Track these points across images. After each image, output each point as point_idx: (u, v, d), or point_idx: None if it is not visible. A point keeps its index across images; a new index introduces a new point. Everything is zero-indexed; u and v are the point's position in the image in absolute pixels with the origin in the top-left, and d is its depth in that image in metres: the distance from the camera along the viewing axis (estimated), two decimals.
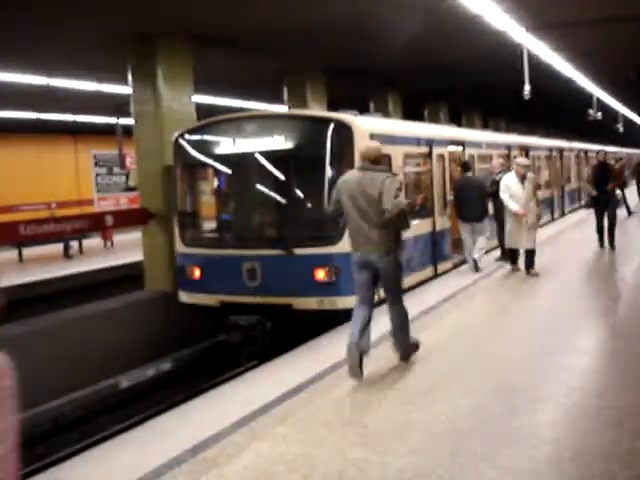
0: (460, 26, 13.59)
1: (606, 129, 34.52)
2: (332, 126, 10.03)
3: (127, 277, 17.38)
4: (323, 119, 10.33)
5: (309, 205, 10.74)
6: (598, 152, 15.85)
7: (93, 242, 23.20)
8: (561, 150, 24.60)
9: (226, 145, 10.81)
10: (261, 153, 10.51)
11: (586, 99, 25.95)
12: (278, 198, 10.84)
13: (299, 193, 10.89)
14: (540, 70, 17.59)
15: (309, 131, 10.44)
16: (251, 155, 10.60)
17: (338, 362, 7.30)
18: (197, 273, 10.94)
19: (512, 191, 11.79)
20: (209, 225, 11.93)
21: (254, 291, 10.33)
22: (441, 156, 13.01)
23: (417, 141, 12.22)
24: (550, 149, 22.91)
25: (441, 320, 9.36)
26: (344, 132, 10.00)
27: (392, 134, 11.27)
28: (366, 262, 6.92)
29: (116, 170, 32.33)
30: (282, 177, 10.83)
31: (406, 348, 7.24)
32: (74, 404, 9.79)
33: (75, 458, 6.04)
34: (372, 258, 6.86)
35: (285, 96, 17.95)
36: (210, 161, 11.28)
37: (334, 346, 8.04)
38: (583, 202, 14.79)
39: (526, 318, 9.40)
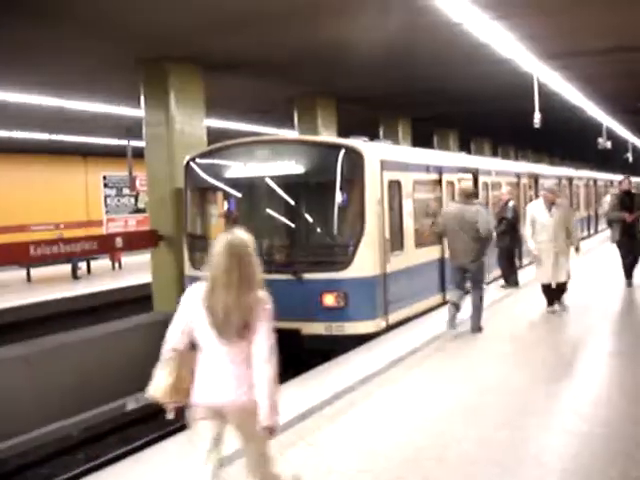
0: (471, 54, 13.69)
1: (615, 158, 34.52)
2: (343, 152, 10.07)
3: (135, 299, 17.44)
4: (334, 145, 10.39)
5: (319, 230, 10.77)
6: (621, 181, 13.94)
7: (101, 264, 23.21)
8: (570, 179, 24.60)
9: (237, 169, 10.85)
10: (272, 177, 10.55)
11: (596, 128, 26.00)
12: (288, 222, 10.87)
13: (309, 218, 10.91)
14: (550, 98, 17.69)
15: (320, 157, 10.49)
16: (262, 179, 10.65)
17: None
18: None
19: (539, 220, 10.77)
20: None
21: None
22: (451, 183, 13.02)
23: (427, 168, 12.25)
24: (559, 177, 22.90)
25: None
26: (355, 158, 10.04)
27: (402, 161, 11.31)
28: (460, 266, 9.95)
29: (125, 191, 32.47)
30: (292, 202, 10.86)
31: (477, 324, 10.03)
32: (80, 425, 9.76)
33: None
34: (465, 263, 9.84)
35: (295, 121, 18.04)
36: (220, 185, 11.32)
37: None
38: (610, 236, 13.47)
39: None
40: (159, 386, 4.00)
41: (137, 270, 21.54)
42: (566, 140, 31.07)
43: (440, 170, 12.60)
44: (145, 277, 18.95)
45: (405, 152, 12.05)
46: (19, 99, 15.72)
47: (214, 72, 13.47)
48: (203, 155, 11.36)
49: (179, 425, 6.33)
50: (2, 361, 9.75)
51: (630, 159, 33.05)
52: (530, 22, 11.85)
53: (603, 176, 32.44)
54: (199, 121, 13.28)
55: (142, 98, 13.02)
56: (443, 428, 6.07)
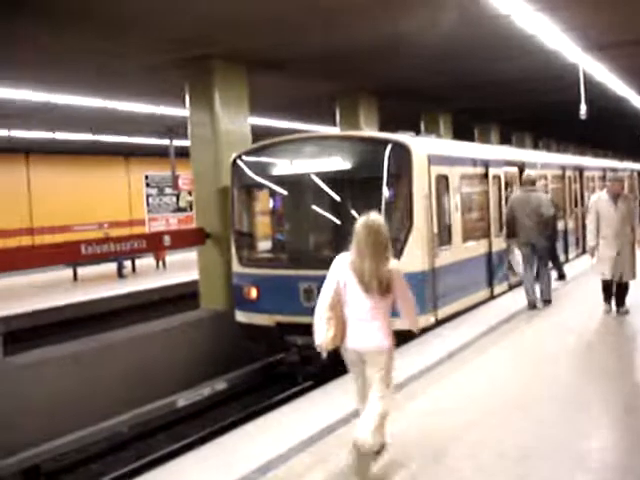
0: (514, 46, 13.56)
1: None
2: (390, 147, 10.04)
3: (180, 296, 17.63)
4: (381, 140, 10.33)
5: None
6: None
7: (145, 262, 23.45)
8: (614, 170, 24.22)
9: (284, 166, 10.89)
10: (319, 174, 10.57)
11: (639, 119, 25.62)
12: (335, 219, 10.87)
13: (357, 213, 10.88)
14: (594, 89, 17.44)
15: (367, 152, 10.46)
16: (309, 176, 10.66)
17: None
18: (254, 293, 11.00)
19: (603, 214, 10.02)
20: (266, 245, 12.00)
21: (311, 312, 10.32)
22: (497, 177, 12.91)
23: (473, 162, 12.16)
24: (604, 169, 22.58)
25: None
26: (402, 153, 10.00)
27: (448, 155, 11.24)
28: (528, 242, 11.08)
29: (167, 191, 32.81)
30: (340, 198, 10.86)
31: (548, 297, 11.33)
32: (129, 422, 9.87)
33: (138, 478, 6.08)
34: (532, 239, 11.05)
35: (337, 118, 18.04)
36: (267, 182, 11.36)
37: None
38: None
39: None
40: (323, 337, 5.18)
41: (181, 269, 21.78)
42: (609, 132, 30.59)
43: (487, 164, 12.48)
44: (190, 275, 19.30)
45: (452, 146, 11.95)
46: (63, 100, 15.93)
47: (257, 70, 13.54)
48: (250, 153, 11.41)
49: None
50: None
51: None
52: (575, 13, 11.71)
53: None
54: (243, 120, 13.32)
55: (187, 97, 13.10)
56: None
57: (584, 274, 13.81)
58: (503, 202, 12.99)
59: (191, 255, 22.43)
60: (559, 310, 11.14)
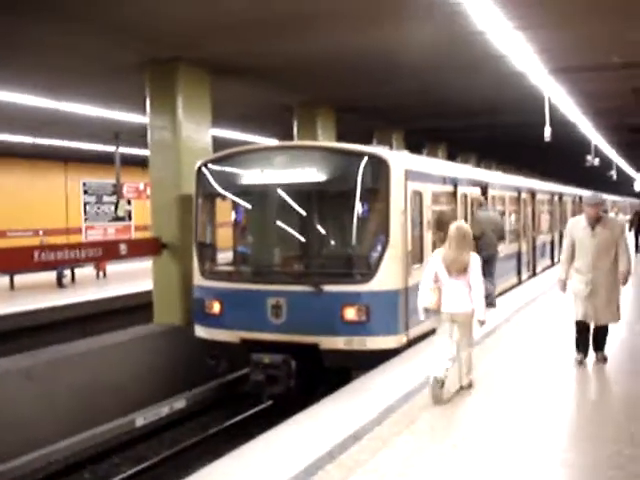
0: (480, 65, 13.48)
1: (599, 176, 34.69)
2: (368, 160, 9.71)
3: (125, 309, 16.92)
4: (358, 152, 9.97)
5: (340, 241, 10.38)
6: None
7: (84, 272, 22.52)
8: (561, 195, 24.59)
9: (253, 176, 10.42)
10: (290, 185, 10.14)
11: (584, 145, 26.05)
12: (307, 232, 10.48)
13: (329, 228, 10.54)
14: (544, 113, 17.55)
15: (343, 164, 10.07)
16: (280, 187, 10.24)
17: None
18: (216, 307, 10.47)
19: (578, 241, 8.32)
20: (230, 258, 11.50)
21: (278, 329, 9.90)
22: (464, 195, 12.74)
23: (444, 180, 11.95)
24: (552, 194, 22.84)
25: None
26: (380, 167, 9.68)
27: (423, 172, 10.99)
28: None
29: (105, 199, 31.81)
30: (312, 211, 10.49)
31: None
32: (87, 443, 9.23)
33: None
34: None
35: (295, 130, 17.68)
36: (234, 191, 10.89)
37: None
38: None
39: None
40: (429, 302, 7.23)
41: (122, 279, 21.01)
42: (552, 156, 31.10)
43: (455, 182, 12.30)
44: (132, 287, 18.59)
45: (425, 163, 11.69)
46: (3, 97, 14.93)
47: (219, 77, 13.08)
48: (216, 160, 10.89)
49: None
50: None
51: (614, 177, 33.20)
52: (546, 34, 11.67)
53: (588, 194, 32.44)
54: (206, 126, 12.87)
55: (148, 101, 12.53)
56: None
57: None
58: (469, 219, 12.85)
59: (131, 265, 21.86)
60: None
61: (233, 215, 11.68)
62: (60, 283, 19.83)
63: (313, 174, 9.97)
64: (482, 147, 29.74)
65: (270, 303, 9.89)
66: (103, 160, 29.04)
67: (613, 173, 33.21)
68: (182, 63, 12.21)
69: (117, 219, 32.04)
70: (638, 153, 33.05)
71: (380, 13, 10.15)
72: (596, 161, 26.09)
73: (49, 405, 9.53)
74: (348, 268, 10.01)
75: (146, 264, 18.76)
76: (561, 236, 24.11)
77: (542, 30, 11.41)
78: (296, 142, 15.33)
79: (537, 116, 18.58)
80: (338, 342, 9.58)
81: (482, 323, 7.42)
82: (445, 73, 14.25)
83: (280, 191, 10.29)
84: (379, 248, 9.68)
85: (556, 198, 23.40)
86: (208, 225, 11.09)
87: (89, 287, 19.86)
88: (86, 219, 31.32)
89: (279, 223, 10.63)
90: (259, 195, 10.66)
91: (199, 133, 12.65)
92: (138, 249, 11.98)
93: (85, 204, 31.33)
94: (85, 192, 31.23)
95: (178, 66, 12.20)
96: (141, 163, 30.01)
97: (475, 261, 7.19)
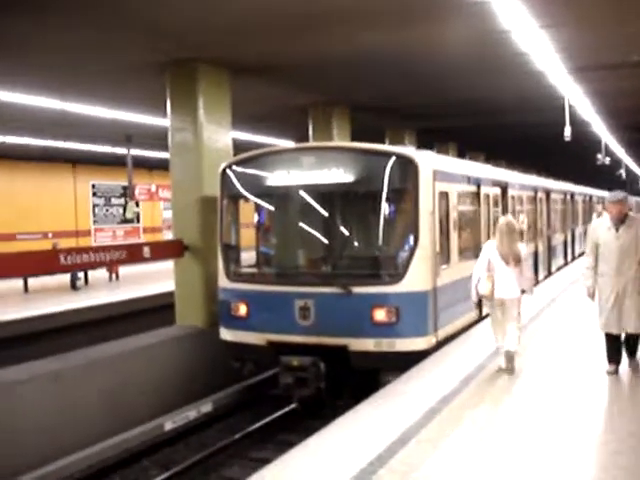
0: (501, 63, 13.41)
1: (608, 176, 34.60)
2: (396, 160, 9.64)
3: (142, 311, 16.87)
4: (386, 153, 9.92)
5: (368, 242, 10.31)
6: None
7: (97, 275, 22.44)
8: (572, 194, 24.52)
9: (279, 177, 10.35)
10: (318, 186, 10.06)
11: (594, 144, 25.97)
12: (334, 233, 10.41)
13: (358, 229, 10.48)
14: (559, 112, 17.49)
15: (372, 165, 9.98)
16: (307, 187, 10.18)
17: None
18: (243, 310, 10.40)
19: (602, 244, 7.84)
20: (259, 259, 11.42)
21: (306, 330, 9.84)
22: (487, 196, 12.68)
23: (468, 180, 11.87)
24: (565, 193, 22.77)
25: None
26: (409, 167, 9.62)
27: (449, 172, 10.92)
28: None
29: (114, 201, 31.74)
30: (339, 212, 10.42)
31: None
32: (116, 449, 9.15)
33: None
34: None
35: (310, 130, 17.62)
36: (261, 193, 10.81)
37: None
38: None
39: None
40: (486, 289, 8.16)
41: (135, 282, 20.97)
42: (561, 155, 31.04)
43: (478, 182, 12.23)
44: (146, 289, 18.57)
45: (451, 162, 11.60)
46: (14, 99, 14.72)
47: (239, 77, 13.02)
48: (241, 162, 10.81)
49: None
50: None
51: (623, 176, 33.11)
52: (568, 33, 11.61)
53: (599, 193, 32.40)
54: (226, 127, 12.79)
55: (168, 102, 12.46)
56: None
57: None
58: (492, 221, 12.80)
59: (142, 268, 21.80)
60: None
61: (257, 216, 11.60)
62: (74, 286, 19.75)
63: (341, 175, 9.90)
64: (491, 146, 29.67)
65: (298, 305, 9.82)
66: (112, 162, 28.98)
67: (622, 172, 33.13)
68: (202, 63, 12.13)
69: (125, 221, 31.99)
70: None
71: (406, 13, 10.10)
72: (607, 160, 26.01)
73: (77, 409, 9.43)
74: (377, 269, 9.94)
75: (155, 266, 18.83)
76: (573, 235, 24.18)
77: (564, 28, 11.36)
78: (323, 143, 15.24)
79: (551, 115, 18.55)
80: (368, 344, 9.51)
81: (531, 293, 8.77)
82: (466, 72, 14.17)
83: (307, 192, 10.24)
84: (408, 249, 9.63)
85: (568, 197, 23.32)
86: (233, 227, 11.01)
87: (103, 289, 19.80)
88: (95, 221, 31.19)
89: (306, 224, 10.57)
90: (286, 196, 10.59)
91: (220, 134, 12.58)
92: (161, 251, 11.92)
93: (94, 206, 31.20)
94: (94, 194, 31.10)
95: (198, 66, 12.12)
96: (148, 165, 30.08)
97: (525, 250, 8.44)
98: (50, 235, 27.50)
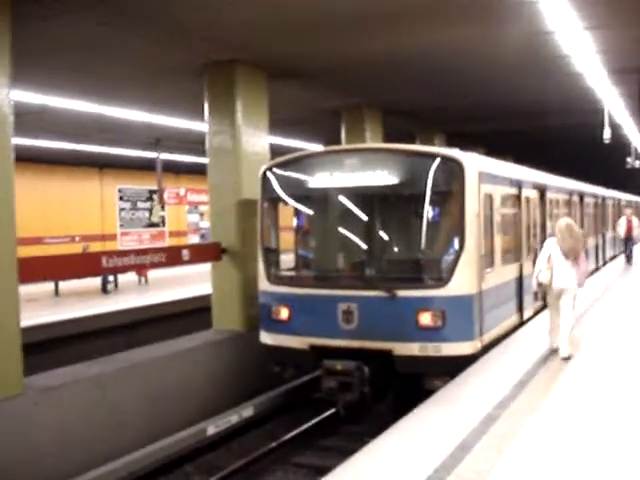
0: (541, 66, 13.30)
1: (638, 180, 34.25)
2: (442, 162, 9.52)
3: (176, 315, 16.84)
4: (431, 154, 9.79)
5: (413, 245, 10.17)
6: None
7: (124, 278, 22.44)
8: (604, 198, 24.26)
9: (321, 179, 10.26)
10: (362, 188, 9.95)
11: (624, 147, 25.72)
12: (379, 236, 10.30)
13: (401, 231, 10.36)
14: (597, 115, 17.33)
15: (417, 167, 9.86)
16: (350, 190, 10.08)
17: None
18: (284, 313, 10.31)
19: None
20: (298, 263, 11.33)
21: (350, 334, 9.72)
22: (528, 198, 12.53)
23: (510, 182, 11.73)
24: (596, 196, 22.53)
25: None
26: (455, 169, 9.49)
27: (493, 174, 10.78)
28: None
29: (140, 205, 31.82)
30: (383, 214, 10.31)
31: None
32: (161, 453, 9.08)
33: None
34: None
35: (343, 134, 17.54)
36: (302, 195, 10.72)
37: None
38: None
39: None
40: (546, 278, 8.96)
41: (164, 285, 20.96)
42: (590, 158, 30.76)
43: (520, 185, 12.08)
44: (175, 292, 18.57)
45: (494, 165, 11.44)
46: (55, 103, 14.77)
47: (275, 79, 12.96)
48: (282, 165, 10.72)
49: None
50: None
51: None
52: (609, 35, 11.46)
53: (626, 196, 32.05)
54: (264, 130, 12.74)
55: (206, 105, 12.41)
56: None
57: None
58: (532, 224, 12.65)
59: (169, 271, 21.77)
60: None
61: (296, 219, 11.52)
62: (105, 289, 19.76)
63: (385, 177, 9.79)
64: (519, 149, 29.47)
65: (341, 309, 9.71)
66: (138, 166, 29.05)
67: None
68: (240, 64, 12.07)
69: (151, 225, 32.07)
70: None
71: (459, 12, 9.99)
72: (637, 163, 25.74)
73: (119, 414, 9.37)
74: (422, 272, 9.79)
75: (182, 270, 18.77)
76: (604, 239, 23.89)
77: (607, 30, 11.23)
78: (366, 144, 15.19)
79: (585, 117, 18.42)
80: (413, 348, 9.38)
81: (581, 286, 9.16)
82: (511, 74, 14.03)
83: (350, 194, 10.14)
84: (454, 252, 9.48)
85: (599, 201, 23.08)
86: (273, 230, 10.92)
87: (133, 293, 19.79)
88: (121, 225, 31.27)
89: (349, 227, 10.47)
90: (328, 199, 10.49)
91: (257, 137, 12.52)
92: (200, 254, 11.85)
93: (120, 210, 31.29)
94: (120, 198, 31.19)
95: (236, 68, 12.06)
96: (175, 169, 30.13)
97: (583, 247, 9.57)
98: (77, 239, 27.59)
